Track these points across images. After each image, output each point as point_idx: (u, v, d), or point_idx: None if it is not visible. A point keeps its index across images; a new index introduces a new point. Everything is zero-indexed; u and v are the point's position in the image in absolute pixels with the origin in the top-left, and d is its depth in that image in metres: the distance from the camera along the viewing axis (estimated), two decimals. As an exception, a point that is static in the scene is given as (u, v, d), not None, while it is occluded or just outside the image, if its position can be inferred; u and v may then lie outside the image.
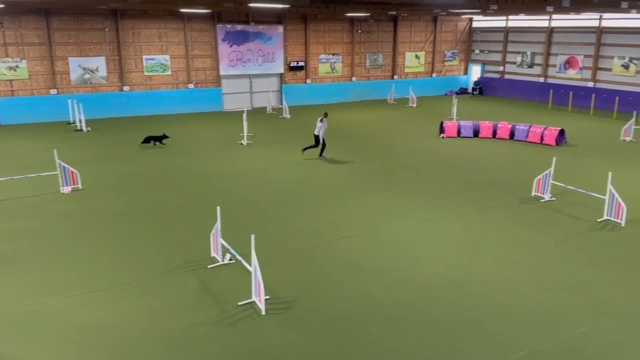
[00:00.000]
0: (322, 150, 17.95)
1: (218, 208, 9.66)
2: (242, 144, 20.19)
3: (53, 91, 25.19)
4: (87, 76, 25.85)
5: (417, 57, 34.81)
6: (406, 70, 34.69)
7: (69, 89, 25.55)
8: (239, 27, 28.68)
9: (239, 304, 8.41)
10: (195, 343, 7.44)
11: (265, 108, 28.94)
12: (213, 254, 10.15)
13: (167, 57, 27.39)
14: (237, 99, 29.63)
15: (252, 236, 8.26)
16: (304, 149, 18.01)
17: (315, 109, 29.12)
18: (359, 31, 32.32)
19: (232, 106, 29.21)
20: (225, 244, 9.72)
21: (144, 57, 26.88)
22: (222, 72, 28.78)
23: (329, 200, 13.61)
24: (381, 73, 33.96)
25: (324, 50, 31.68)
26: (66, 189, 14.22)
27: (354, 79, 32.96)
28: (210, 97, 28.76)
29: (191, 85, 28.20)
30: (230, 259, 9.79)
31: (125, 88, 26.71)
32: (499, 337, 7.56)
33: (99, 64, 25.99)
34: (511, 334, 7.62)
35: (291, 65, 30.60)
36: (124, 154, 18.73)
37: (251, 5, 21.63)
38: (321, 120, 17.59)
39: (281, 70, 30.44)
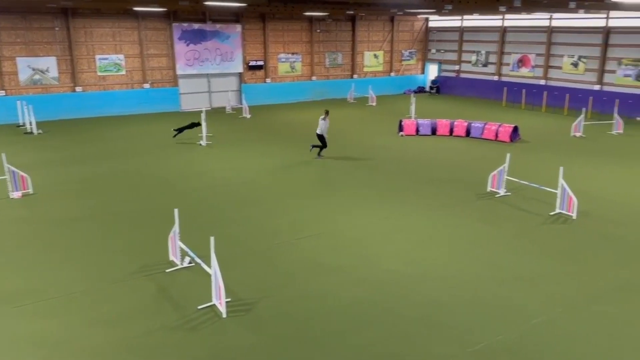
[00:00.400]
0: (320, 149, 17.81)
1: (176, 210, 9.48)
2: (201, 144, 19.90)
3: (1, 92, 24.16)
4: (37, 77, 24.93)
5: (375, 56, 35.15)
6: (365, 69, 34.98)
7: (18, 90, 24.58)
8: (196, 25, 28.26)
9: (199, 307, 8.28)
10: (154, 349, 7.27)
11: (224, 108, 28.63)
12: (171, 257, 9.95)
13: (121, 56, 26.72)
14: (195, 98, 29.19)
15: (212, 238, 8.14)
16: (319, 154, 17.76)
17: (276, 109, 29.12)
18: (318, 30, 32.38)
19: (190, 106, 28.75)
20: (183, 246, 9.55)
21: (97, 56, 26.15)
22: (179, 72, 28.30)
23: (290, 200, 13.57)
24: (341, 72, 34.12)
25: (283, 49, 31.58)
26: (16, 194, 13.66)
27: (314, 78, 32.99)
28: (167, 97, 28.23)
29: (147, 85, 27.60)
30: (190, 262, 9.62)
31: (78, 89, 25.90)
32: (458, 330, 7.71)
33: (49, 64, 25.11)
34: (469, 327, 7.78)
35: (250, 64, 30.36)
36: (77, 156, 18.15)
37: (207, 3, 21.36)
38: (323, 119, 17.52)
39: (240, 69, 30.18)
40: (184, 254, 9.66)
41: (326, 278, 9.33)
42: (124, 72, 26.96)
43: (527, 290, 8.89)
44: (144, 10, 26.05)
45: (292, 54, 31.96)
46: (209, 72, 29.29)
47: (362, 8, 26.74)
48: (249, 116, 26.30)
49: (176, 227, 9.59)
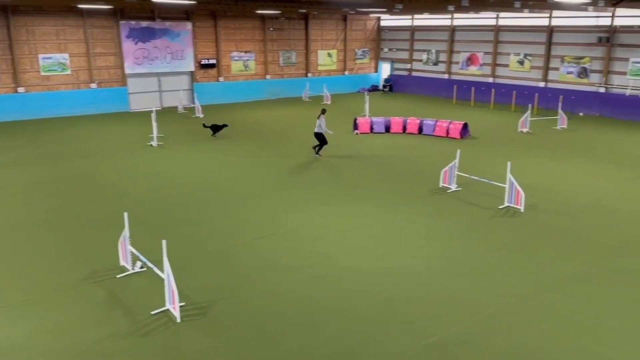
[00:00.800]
0: (319, 148, 17.77)
1: (125, 214, 9.20)
2: (152, 145, 19.43)
3: None
4: (-26, 77, 23.73)
5: (329, 55, 35.27)
6: (319, 68, 35.05)
7: (-46, 91, 23.36)
8: (144, 23, 27.56)
9: (152, 313, 8.07)
10: (106, 357, 7.03)
11: (176, 107, 28.05)
12: (122, 262, 9.66)
13: (66, 55, 25.75)
14: (145, 98, 28.45)
15: (164, 241, 7.96)
16: (317, 151, 17.73)
17: (230, 108, 28.78)
18: (271, 29, 32.19)
19: (140, 106, 28.01)
20: (134, 251, 9.28)
21: (40, 56, 25.10)
22: (127, 71, 27.51)
23: (245, 200, 13.43)
24: (295, 71, 34.06)
25: (235, 47, 31.23)
26: (-47, 201, 12.95)
27: (268, 76, 32.80)
28: (116, 97, 27.40)
29: (94, 85, 26.71)
30: (141, 267, 9.37)
31: (20, 89, 24.80)
32: (412, 324, 7.82)
33: (-12, 63, 23.96)
34: (423, 321, 7.91)
35: (202, 62, 29.88)
36: (20, 160, 17.36)
37: (155, 0, 20.87)
38: (319, 117, 17.47)
39: (192, 68, 29.64)
40: (135, 259, 9.39)
41: (283, 277, 9.28)
42: (69, 72, 25.99)
43: (479, 282, 9.12)
44: (89, 8, 25.19)
45: (245, 52, 31.66)
46: (159, 71, 28.62)
47: (314, 7, 26.77)
48: (201, 116, 25.87)
49: (126, 232, 9.31)
